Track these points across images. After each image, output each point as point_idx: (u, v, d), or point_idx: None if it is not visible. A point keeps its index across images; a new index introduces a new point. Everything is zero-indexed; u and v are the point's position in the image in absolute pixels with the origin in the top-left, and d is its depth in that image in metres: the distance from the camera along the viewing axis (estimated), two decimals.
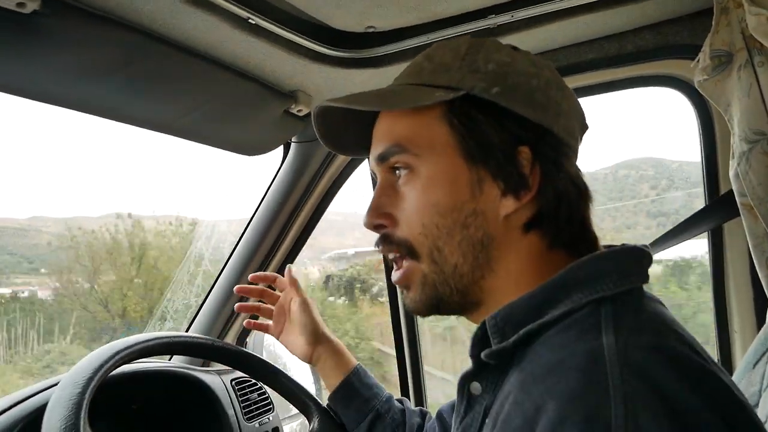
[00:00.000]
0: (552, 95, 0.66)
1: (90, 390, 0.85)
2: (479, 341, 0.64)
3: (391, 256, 0.70)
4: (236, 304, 1.16)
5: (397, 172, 0.68)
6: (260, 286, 1.17)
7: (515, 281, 0.65)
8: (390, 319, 1.68)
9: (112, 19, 0.94)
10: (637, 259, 0.63)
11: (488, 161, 0.64)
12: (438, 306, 0.68)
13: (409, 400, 1.66)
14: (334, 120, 0.74)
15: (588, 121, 0.74)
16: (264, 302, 1.17)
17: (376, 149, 0.70)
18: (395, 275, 0.70)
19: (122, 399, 1.28)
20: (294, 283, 1.11)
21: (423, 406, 1.67)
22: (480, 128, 0.64)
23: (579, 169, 0.69)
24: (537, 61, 0.69)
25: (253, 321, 1.18)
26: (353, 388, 1.06)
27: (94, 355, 0.92)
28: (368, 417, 1.04)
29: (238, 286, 1.16)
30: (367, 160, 1.57)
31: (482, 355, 0.61)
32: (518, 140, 0.64)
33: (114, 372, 0.96)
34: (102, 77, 1.02)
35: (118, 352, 0.93)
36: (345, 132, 0.76)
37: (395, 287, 1.65)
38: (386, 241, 0.69)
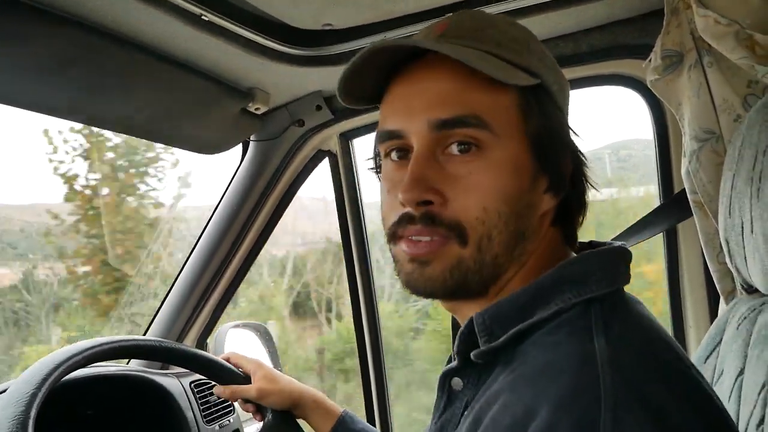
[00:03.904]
0: (568, 102, 0.70)
1: (35, 406, 0.82)
2: (466, 339, 0.62)
3: (426, 237, 0.61)
4: None
5: (459, 146, 0.61)
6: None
7: (528, 273, 0.64)
8: None
9: (57, 15, 0.91)
10: (623, 259, 0.64)
11: (548, 155, 0.64)
12: (456, 292, 0.63)
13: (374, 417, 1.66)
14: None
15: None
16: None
17: (437, 112, 0.60)
18: (418, 247, 0.61)
19: (77, 404, 1.25)
20: (235, 392, 1.10)
21: (388, 420, 1.66)
22: (552, 122, 0.64)
23: None
24: None
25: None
26: None
27: (37, 367, 0.89)
28: None
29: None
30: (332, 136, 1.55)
31: (472, 355, 0.61)
32: (571, 139, 0.67)
33: (68, 376, 0.93)
34: (49, 75, 0.99)
35: (62, 362, 0.90)
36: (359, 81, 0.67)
37: (358, 296, 1.63)
38: (430, 221, 0.60)
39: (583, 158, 0.68)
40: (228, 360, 1.14)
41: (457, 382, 0.64)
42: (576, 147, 0.68)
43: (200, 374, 1.17)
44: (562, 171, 0.65)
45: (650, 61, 1.10)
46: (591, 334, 0.54)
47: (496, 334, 0.60)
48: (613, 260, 0.63)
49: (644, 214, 1.24)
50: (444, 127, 0.60)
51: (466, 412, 0.61)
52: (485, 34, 0.63)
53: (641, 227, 1.26)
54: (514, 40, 0.64)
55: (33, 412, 0.81)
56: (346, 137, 1.54)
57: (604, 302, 0.58)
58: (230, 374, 1.12)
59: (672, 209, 1.24)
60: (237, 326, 1.68)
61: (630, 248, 0.66)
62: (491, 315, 0.61)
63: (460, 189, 0.60)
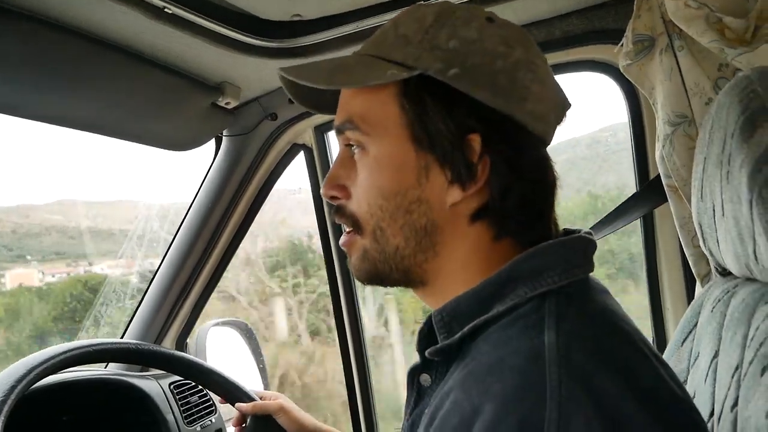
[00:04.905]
0: (519, 78, 0.61)
1: (3, 414, 0.80)
2: (425, 336, 0.63)
3: (344, 227, 0.68)
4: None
5: (352, 147, 0.66)
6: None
7: (462, 267, 0.64)
8: None
9: (13, 11, 0.88)
10: (582, 249, 0.62)
11: (435, 148, 0.61)
12: (378, 280, 0.67)
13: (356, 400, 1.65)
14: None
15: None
16: None
17: (336, 120, 0.68)
18: (342, 238, 0.69)
19: (51, 410, 1.22)
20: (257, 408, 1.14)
21: (370, 403, 1.65)
22: (428, 114, 0.61)
23: (545, 157, 0.65)
24: (512, 37, 0.63)
25: None
26: None
27: (5, 375, 0.87)
28: None
29: None
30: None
31: (426, 353, 0.61)
32: (469, 128, 0.60)
33: (41, 382, 0.91)
34: (11, 74, 0.97)
35: (31, 370, 0.88)
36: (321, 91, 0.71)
37: (338, 291, 1.62)
38: (339, 212, 0.68)
39: (510, 141, 0.61)
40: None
41: (425, 379, 0.64)
42: (498, 131, 0.61)
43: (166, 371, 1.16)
44: (466, 161, 0.61)
45: (622, 45, 1.10)
46: (542, 328, 0.53)
47: (454, 331, 0.60)
48: (571, 251, 0.61)
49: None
50: (339, 132, 0.67)
51: (426, 410, 0.61)
52: (382, 35, 0.66)
53: (618, 215, 1.26)
54: (403, 35, 0.63)
55: (0, 423, 0.79)
56: (321, 130, 1.53)
57: (560, 295, 0.57)
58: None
59: (648, 195, 1.23)
60: (218, 324, 1.66)
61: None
62: (449, 311, 0.61)
63: (356, 186, 0.66)
